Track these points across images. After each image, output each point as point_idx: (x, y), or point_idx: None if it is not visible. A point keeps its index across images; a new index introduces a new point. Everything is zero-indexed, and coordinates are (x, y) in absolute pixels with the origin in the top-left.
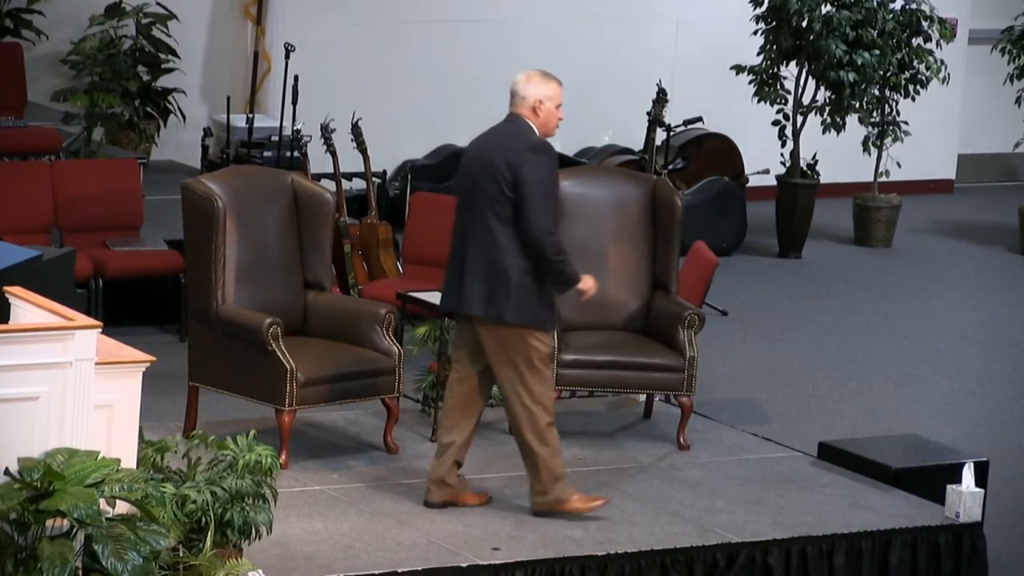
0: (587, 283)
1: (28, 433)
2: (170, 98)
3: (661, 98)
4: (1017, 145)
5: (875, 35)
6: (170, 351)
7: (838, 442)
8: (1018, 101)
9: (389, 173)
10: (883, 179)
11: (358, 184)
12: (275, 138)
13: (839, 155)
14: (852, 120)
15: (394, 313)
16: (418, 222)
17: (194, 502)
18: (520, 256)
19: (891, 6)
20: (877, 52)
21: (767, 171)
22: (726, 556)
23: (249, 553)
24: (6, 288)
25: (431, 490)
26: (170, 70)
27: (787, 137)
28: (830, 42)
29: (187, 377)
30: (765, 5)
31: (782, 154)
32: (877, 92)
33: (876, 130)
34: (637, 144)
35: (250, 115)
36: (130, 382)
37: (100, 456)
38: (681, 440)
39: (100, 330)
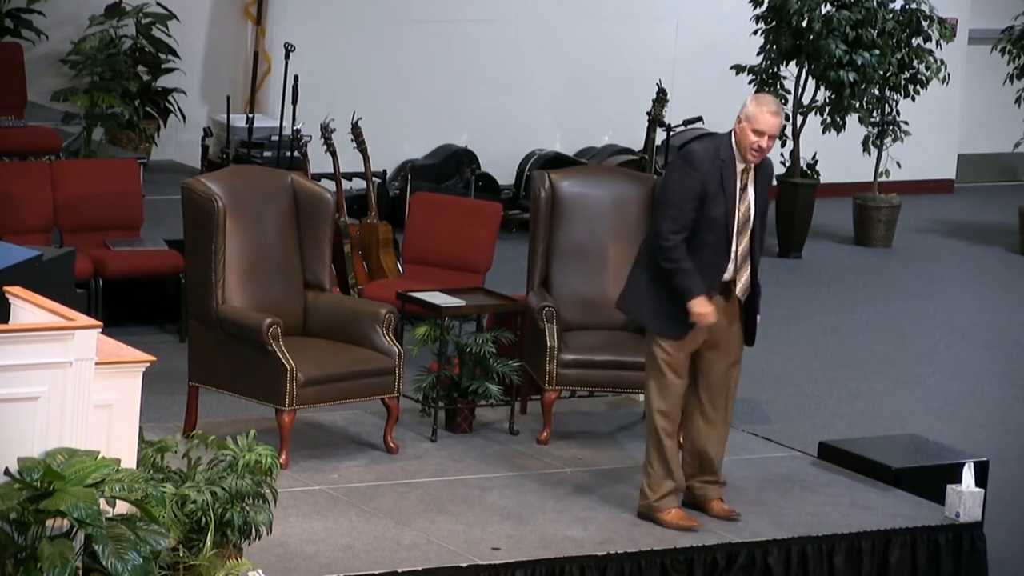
0: (700, 307)
1: (28, 433)
2: (170, 98)
3: (661, 98)
4: (1017, 145)
5: (875, 35)
6: (170, 351)
7: (838, 442)
8: (1018, 101)
9: (389, 173)
10: (883, 179)
11: (358, 184)
12: (275, 138)
13: (839, 155)
14: (852, 120)
15: (394, 313)
16: (418, 222)
17: (194, 502)
18: (649, 258)
19: (891, 6)
20: (877, 52)
21: None
22: (726, 556)
23: (249, 553)
24: (6, 288)
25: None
26: (170, 70)
27: (787, 137)
28: (830, 42)
29: (187, 377)
30: (765, 5)
31: (782, 154)
32: (877, 92)
33: (876, 130)
34: (637, 144)
35: (250, 115)
36: (130, 382)
37: (100, 456)
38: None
39: (100, 330)
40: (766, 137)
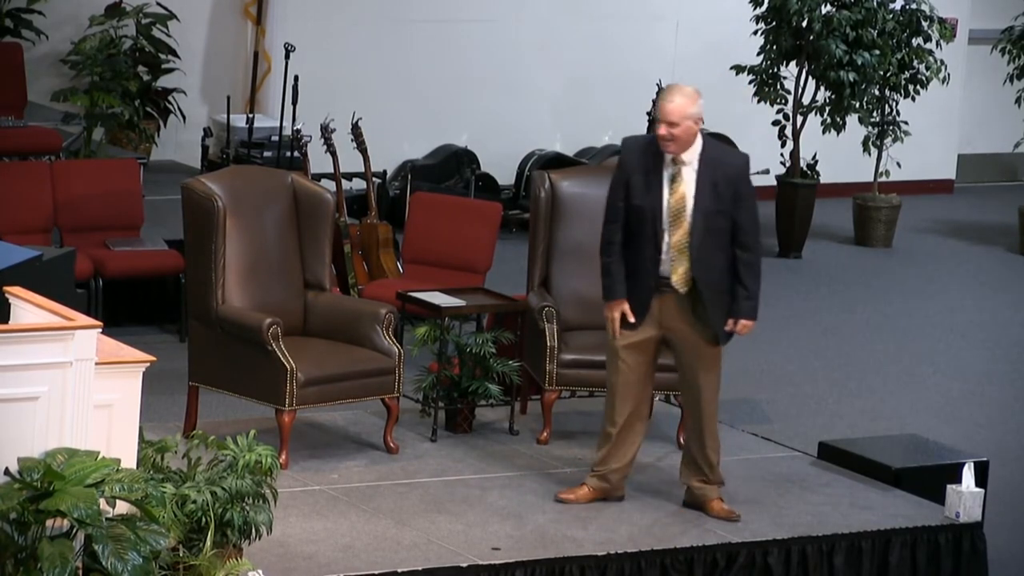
0: (608, 310)
1: (28, 433)
2: (170, 98)
3: None
4: (1017, 145)
5: (875, 35)
6: (170, 351)
7: (838, 442)
8: (1018, 101)
9: (389, 173)
10: (883, 179)
11: (358, 184)
12: (275, 138)
13: (839, 155)
14: (852, 120)
15: (394, 313)
16: (418, 222)
17: (194, 502)
18: None
19: (891, 6)
20: (877, 52)
21: (767, 171)
22: (726, 556)
23: (249, 553)
24: (6, 288)
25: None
26: (170, 70)
27: (787, 137)
28: (830, 42)
29: (187, 377)
30: (765, 5)
31: (782, 154)
32: (877, 92)
33: (876, 130)
34: None
35: (250, 115)
36: (130, 382)
37: (100, 456)
38: (681, 440)
39: (100, 330)
40: (662, 125)
